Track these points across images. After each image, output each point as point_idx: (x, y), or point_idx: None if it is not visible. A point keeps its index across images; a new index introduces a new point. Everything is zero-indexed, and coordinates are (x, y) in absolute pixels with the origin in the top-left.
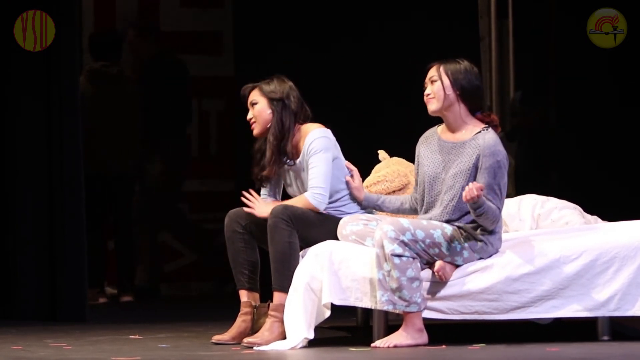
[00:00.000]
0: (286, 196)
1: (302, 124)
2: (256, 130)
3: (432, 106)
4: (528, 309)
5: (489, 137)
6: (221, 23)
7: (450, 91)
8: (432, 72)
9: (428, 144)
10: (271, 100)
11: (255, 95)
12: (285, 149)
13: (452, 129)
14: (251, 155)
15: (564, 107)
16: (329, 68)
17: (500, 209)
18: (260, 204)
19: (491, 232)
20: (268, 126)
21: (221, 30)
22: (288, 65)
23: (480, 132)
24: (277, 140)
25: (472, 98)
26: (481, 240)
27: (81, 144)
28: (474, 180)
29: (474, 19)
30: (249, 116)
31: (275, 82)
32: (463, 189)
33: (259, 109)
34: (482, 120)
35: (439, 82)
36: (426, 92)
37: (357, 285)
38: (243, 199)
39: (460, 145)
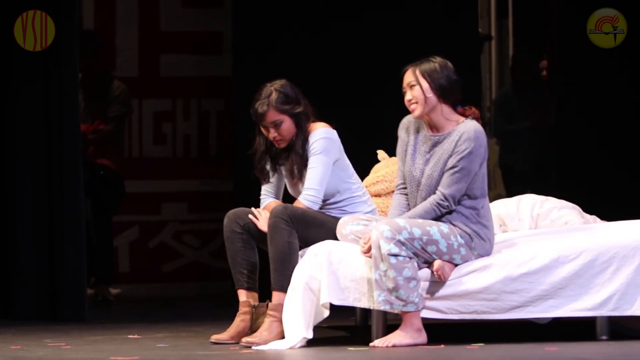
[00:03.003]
0: (287, 195)
1: (311, 122)
2: (283, 145)
3: (417, 112)
4: (527, 308)
5: (470, 124)
6: (221, 23)
7: (430, 93)
8: (409, 77)
9: (414, 136)
10: (293, 115)
11: (276, 116)
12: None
13: (437, 128)
14: (252, 158)
15: (564, 106)
16: (329, 69)
17: (450, 192)
18: (264, 219)
19: (483, 225)
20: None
21: (221, 30)
22: (287, 66)
23: (463, 122)
24: (303, 149)
25: (452, 95)
26: (471, 235)
27: (80, 145)
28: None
29: (474, 19)
30: (272, 135)
31: (282, 93)
32: (439, 177)
33: (286, 128)
34: (462, 114)
35: (418, 87)
36: (407, 98)
37: (356, 285)
38: (250, 216)
39: (445, 137)
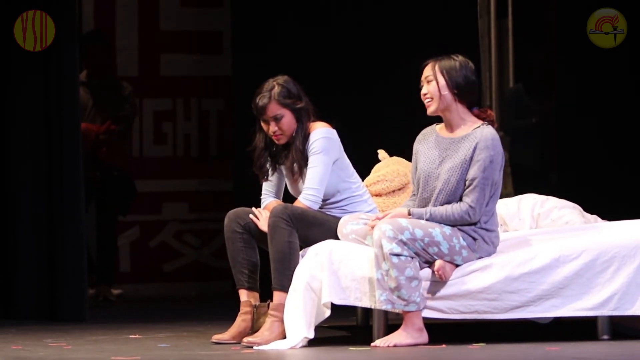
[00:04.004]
0: (287, 195)
1: (311, 121)
2: (283, 140)
3: (431, 108)
4: (528, 308)
5: (487, 131)
6: (220, 23)
7: (446, 91)
8: (428, 71)
9: (426, 142)
10: (295, 110)
11: (277, 109)
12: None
13: (452, 127)
14: (251, 154)
15: (564, 107)
16: (328, 68)
17: (478, 205)
18: (265, 219)
19: (488, 230)
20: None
21: (220, 30)
22: (287, 65)
23: (479, 127)
24: (303, 145)
25: (468, 94)
26: (476, 239)
27: (80, 145)
28: (466, 171)
29: (474, 19)
30: (272, 129)
31: (284, 88)
32: (458, 183)
33: (287, 122)
34: (478, 117)
35: (434, 82)
36: (423, 91)
37: (357, 284)
38: (251, 216)
39: (459, 141)
